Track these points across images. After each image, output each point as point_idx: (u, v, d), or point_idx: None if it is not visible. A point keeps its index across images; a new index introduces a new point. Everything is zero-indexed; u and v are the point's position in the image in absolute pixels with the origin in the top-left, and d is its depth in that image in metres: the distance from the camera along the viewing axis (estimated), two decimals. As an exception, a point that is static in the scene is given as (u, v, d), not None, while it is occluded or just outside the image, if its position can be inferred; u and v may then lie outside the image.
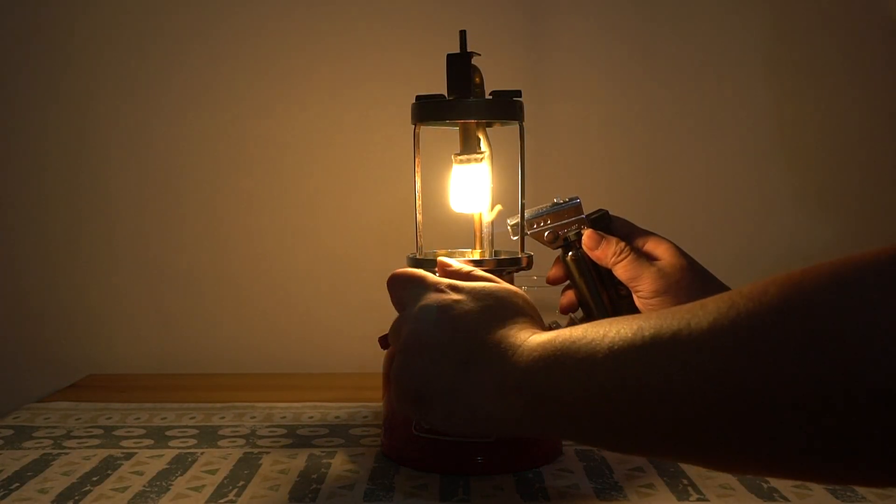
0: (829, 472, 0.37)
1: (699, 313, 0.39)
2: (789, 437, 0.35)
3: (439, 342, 0.52)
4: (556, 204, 0.72)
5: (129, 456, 0.69)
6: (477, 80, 0.69)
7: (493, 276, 0.61)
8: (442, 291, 0.56)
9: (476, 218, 0.72)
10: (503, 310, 0.54)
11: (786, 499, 0.60)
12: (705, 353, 0.38)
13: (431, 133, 0.74)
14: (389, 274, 0.60)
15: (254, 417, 0.81)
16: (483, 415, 0.50)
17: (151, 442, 0.73)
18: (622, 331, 0.42)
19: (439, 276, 0.61)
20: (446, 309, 0.54)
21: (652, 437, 0.42)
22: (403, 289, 0.58)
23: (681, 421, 0.39)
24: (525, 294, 0.58)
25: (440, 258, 0.64)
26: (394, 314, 0.59)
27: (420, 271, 0.59)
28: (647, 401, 0.40)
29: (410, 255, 0.70)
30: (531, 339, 0.50)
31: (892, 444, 0.33)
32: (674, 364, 0.39)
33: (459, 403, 0.51)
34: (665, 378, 0.39)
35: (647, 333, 0.41)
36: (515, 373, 0.48)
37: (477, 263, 0.65)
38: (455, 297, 0.55)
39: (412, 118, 0.69)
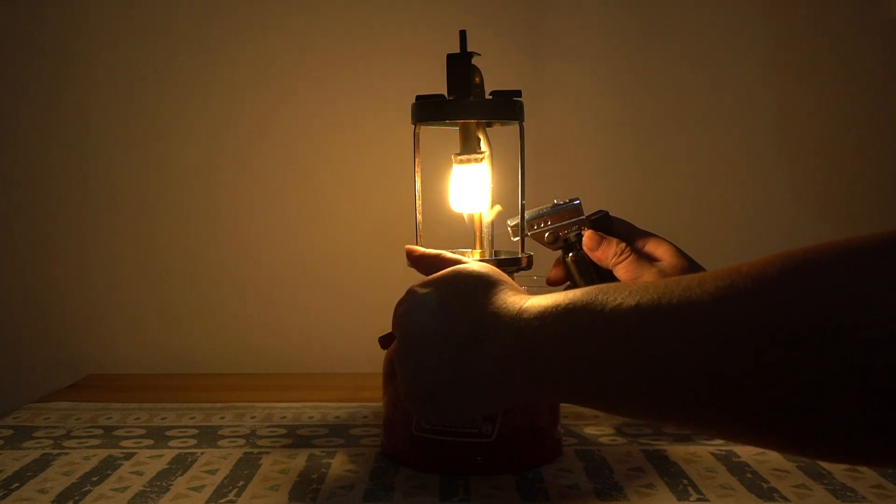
0: (825, 450, 0.37)
1: (697, 291, 0.39)
2: (786, 415, 0.36)
3: (431, 334, 0.53)
4: (557, 205, 0.72)
5: (128, 456, 0.69)
6: (477, 80, 0.69)
7: (462, 257, 0.62)
8: (414, 292, 0.57)
9: (476, 218, 0.72)
10: (482, 284, 0.54)
11: (786, 499, 0.60)
12: (702, 331, 0.38)
13: (431, 133, 0.74)
14: (390, 276, 0.61)
15: (254, 417, 0.81)
16: (491, 391, 0.51)
17: (151, 442, 0.73)
18: (624, 302, 0.43)
19: (409, 265, 0.62)
20: (426, 303, 0.55)
21: (652, 407, 0.43)
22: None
23: (678, 394, 0.40)
24: (491, 265, 0.58)
25: (407, 246, 0.65)
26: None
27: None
28: (645, 374, 0.41)
29: (410, 256, 0.70)
30: (528, 306, 0.50)
31: (892, 424, 0.33)
32: (670, 341, 0.40)
33: (467, 388, 0.51)
34: (662, 353, 0.40)
35: (645, 308, 0.41)
36: (518, 343, 0.49)
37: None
38: (427, 290, 0.56)
39: (412, 118, 0.69)
